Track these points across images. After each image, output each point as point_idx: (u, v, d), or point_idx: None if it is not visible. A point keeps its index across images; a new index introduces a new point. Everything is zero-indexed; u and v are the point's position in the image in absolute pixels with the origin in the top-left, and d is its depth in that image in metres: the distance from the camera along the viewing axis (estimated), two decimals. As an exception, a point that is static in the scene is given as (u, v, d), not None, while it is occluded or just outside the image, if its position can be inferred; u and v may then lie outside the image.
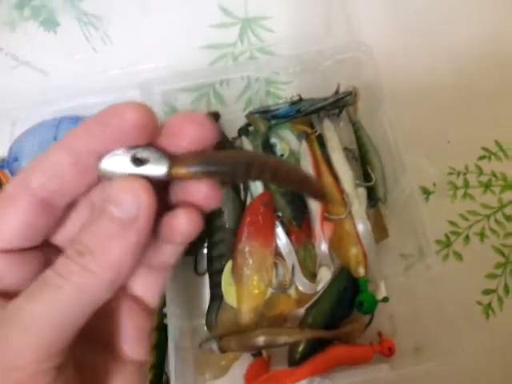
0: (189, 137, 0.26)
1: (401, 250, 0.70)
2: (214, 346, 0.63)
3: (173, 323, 0.60)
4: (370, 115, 0.74)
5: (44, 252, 0.28)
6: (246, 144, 0.74)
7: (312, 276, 0.67)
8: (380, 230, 0.69)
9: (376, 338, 0.65)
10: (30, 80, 0.89)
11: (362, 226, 0.67)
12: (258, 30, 0.89)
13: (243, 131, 0.77)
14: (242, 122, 0.78)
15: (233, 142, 0.76)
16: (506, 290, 0.70)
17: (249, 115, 0.77)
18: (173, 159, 0.25)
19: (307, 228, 0.68)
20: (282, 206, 0.68)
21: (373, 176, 0.71)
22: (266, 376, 0.63)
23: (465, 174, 0.77)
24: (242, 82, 0.80)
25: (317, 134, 0.75)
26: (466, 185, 0.76)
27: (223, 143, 0.74)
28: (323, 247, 0.67)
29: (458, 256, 0.72)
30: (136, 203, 0.24)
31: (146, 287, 0.30)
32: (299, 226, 0.68)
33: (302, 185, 0.30)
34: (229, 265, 0.67)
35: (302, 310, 0.66)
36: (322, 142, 0.75)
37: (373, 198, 0.71)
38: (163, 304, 0.63)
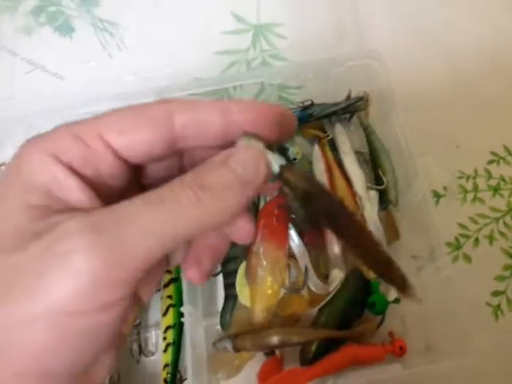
0: (284, 126, 0.31)
1: (412, 251, 0.71)
2: (228, 345, 0.64)
3: (190, 322, 0.62)
4: (382, 120, 0.76)
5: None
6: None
7: (324, 277, 0.68)
8: (391, 232, 0.71)
9: (387, 338, 0.66)
10: (45, 85, 0.91)
11: (374, 228, 0.68)
12: (270, 37, 0.91)
13: (256, 134, 0.78)
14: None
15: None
16: (515, 291, 0.72)
17: (262, 120, 0.78)
18: (285, 165, 0.31)
19: (320, 230, 0.70)
20: (295, 208, 0.70)
21: (384, 179, 0.72)
22: (280, 375, 0.64)
23: (474, 177, 0.78)
24: (256, 86, 0.82)
25: (329, 138, 0.77)
26: (476, 188, 0.77)
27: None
28: (336, 249, 0.68)
29: (468, 258, 0.73)
30: (257, 173, 0.29)
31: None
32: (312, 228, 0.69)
33: (385, 268, 0.33)
34: (242, 267, 0.68)
35: (314, 311, 0.67)
36: (333, 145, 0.76)
37: (384, 200, 0.72)
38: (181, 303, 0.64)
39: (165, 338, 0.68)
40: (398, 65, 0.75)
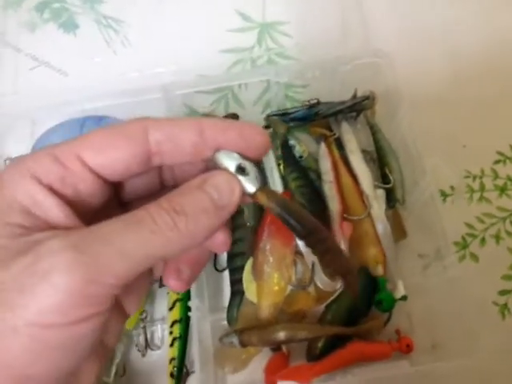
0: (257, 143, 0.31)
1: (418, 250, 0.72)
2: (235, 340, 0.64)
3: (197, 317, 0.62)
4: (388, 119, 0.76)
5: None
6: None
7: (331, 274, 0.68)
8: (398, 231, 0.71)
9: (394, 336, 0.66)
10: (49, 81, 0.90)
11: (381, 227, 0.68)
12: (275, 35, 0.91)
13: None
14: (260, 124, 0.79)
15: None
16: (522, 291, 0.72)
17: (268, 117, 0.78)
18: (262, 186, 0.31)
19: (327, 227, 0.69)
20: (302, 205, 0.70)
21: (391, 178, 0.72)
22: (286, 370, 0.64)
23: (481, 177, 0.78)
24: (261, 85, 0.82)
25: (335, 136, 0.77)
26: (482, 188, 0.77)
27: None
28: (342, 247, 0.68)
29: (475, 257, 0.73)
30: (232, 198, 0.30)
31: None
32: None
33: (342, 268, 0.36)
34: (249, 263, 0.68)
35: (321, 307, 0.67)
36: (340, 144, 0.76)
37: (391, 199, 0.72)
38: (188, 297, 0.64)
39: (171, 332, 0.68)
40: (403, 64, 0.75)
